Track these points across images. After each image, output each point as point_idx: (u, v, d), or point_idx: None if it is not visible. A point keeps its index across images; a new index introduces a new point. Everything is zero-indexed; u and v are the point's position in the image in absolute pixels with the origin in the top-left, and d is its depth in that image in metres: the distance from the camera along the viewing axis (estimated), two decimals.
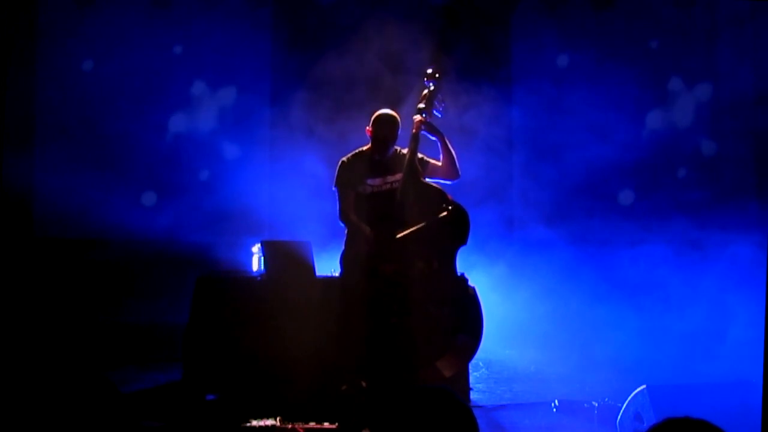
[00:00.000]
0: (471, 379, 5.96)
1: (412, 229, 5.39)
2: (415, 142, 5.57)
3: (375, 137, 5.61)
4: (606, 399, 5.52)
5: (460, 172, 5.68)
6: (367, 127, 5.65)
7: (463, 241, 5.54)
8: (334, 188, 5.66)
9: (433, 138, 5.64)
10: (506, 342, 7.22)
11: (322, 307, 5.73)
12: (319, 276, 5.91)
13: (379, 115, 5.63)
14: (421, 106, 5.68)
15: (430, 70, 5.79)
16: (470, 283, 5.57)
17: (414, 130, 5.60)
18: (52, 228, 8.92)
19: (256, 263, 6.36)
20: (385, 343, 5.40)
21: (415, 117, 5.64)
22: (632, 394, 4.88)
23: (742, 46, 9.03)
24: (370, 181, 5.60)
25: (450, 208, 5.43)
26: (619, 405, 5.03)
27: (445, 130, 5.72)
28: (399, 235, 5.39)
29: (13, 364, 6.13)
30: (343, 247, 5.65)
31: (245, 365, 5.78)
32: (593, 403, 5.53)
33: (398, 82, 7.64)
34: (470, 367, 5.87)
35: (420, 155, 5.61)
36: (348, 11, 8.73)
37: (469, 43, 8.66)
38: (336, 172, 5.67)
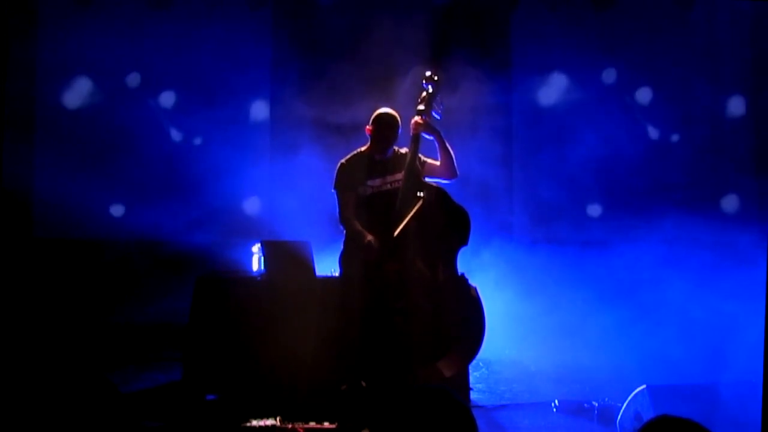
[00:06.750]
0: (471, 379, 5.95)
1: (404, 223, 5.38)
2: (415, 144, 5.58)
3: (375, 136, 5.61)
4: (606, 399, 5.52)
5: (458, 172, 5.69)
6: (367, 126, 5.65)
7: (464, 242, 5.55)
8: (333, 191, 5.66)
9: (431, 137, 5.65)
10: (506, 342, 7.22)
11: (322, 307, 5.73)
12: (319, 276, 5.91)
13: (380, 114, 5.63)
14: (421, 107, 5.69)
15: (428, 73, 5.80)
16: (471, 283, 5.57)
17: (413, 132, 5.61)
18: (51, 228, 8.92)
19: (256, 263, 6.36)
20: (386, 343, 5.40)
21: (414, 118, 5.65)
22: (632, 394, 4.89)
23: (741, 45, 9.03)
24: (370, 182, 5.59)
25: (423, 194, 5.42)
26: (619, 405, 5.04)
27: (444, 129, 5.73)
28: (395, 233, 5.38)
29: (13, 364, 6.13)
30: (342, 247, 5.65)
31: (245, 365, 5.78)
32: (593, 403, 5.53)
33: (398, 82, 7.64)
34: (470, 367, 5.87)
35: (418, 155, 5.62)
36: (348, 11, 8.73)
37: (469, 43, 8.66)
38: (335, 175, 5.67)
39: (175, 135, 9.06)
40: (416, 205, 5.41)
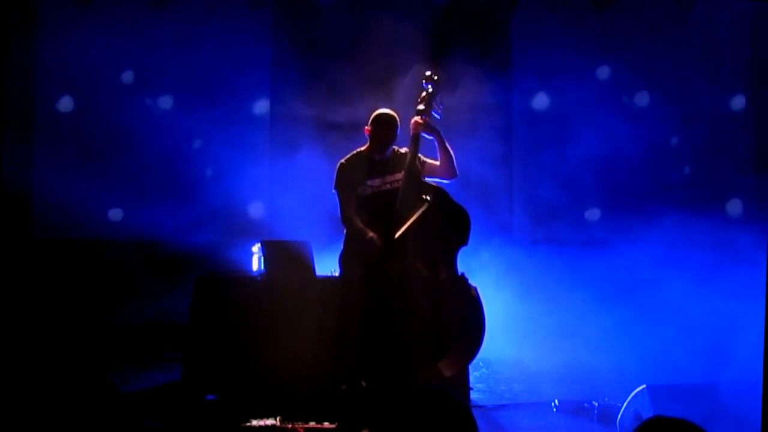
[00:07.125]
0: (471, 379, 5.95)
1: (406, 225, 5.39)
2: (415, 144, 5.58)
3: (374, 137, 5.61)
4: (606, 399, 5.52)
5: (458, 171, 5.69)
6: (366, 127, 5.65)
7: (464, 242, 5.55)
8: (334, 191, 5.66)
9: (431, 137, 5.65)
10: (506, 342, 7.22)
11: (322, 307, 5.73)
12: (319, 276, 5.91)
13: (379, 115, 5.63)
14: (420, 107, 5.69)
15: (428, 72, 5.80)
16: (471, 283, 5.57)
17: (413, 132, 5.61)
18: (51, 228, 8.92)
19: (256, 263, 6.36)
20: (386, 343, 5.40)
21: (414, 118, 5.65)
22: (632, 394, 4.89)
23: (741, 45, 9.03)
24: (369, 182, 5.60)
25: (429, 198, 5.42)
26: (619, 405, 5.04)
27: (444, 129, 5.73)
28: (397, 235, 5.39)
29: (13, 364, 6.13)
30: (342, 247, 5.64)
31: (245, 365, 5.78)
32: (593, 403, 5.53)
33: (398, 82, 7.64)
34: (470, 367, 5.87)
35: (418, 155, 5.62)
36: (348, 11, 8.73)
37: (469, 43, 8.66)
38: (335, 175, 5.67)
39: (175, 135, 9.05)
40: (420, 208, 5.41)
